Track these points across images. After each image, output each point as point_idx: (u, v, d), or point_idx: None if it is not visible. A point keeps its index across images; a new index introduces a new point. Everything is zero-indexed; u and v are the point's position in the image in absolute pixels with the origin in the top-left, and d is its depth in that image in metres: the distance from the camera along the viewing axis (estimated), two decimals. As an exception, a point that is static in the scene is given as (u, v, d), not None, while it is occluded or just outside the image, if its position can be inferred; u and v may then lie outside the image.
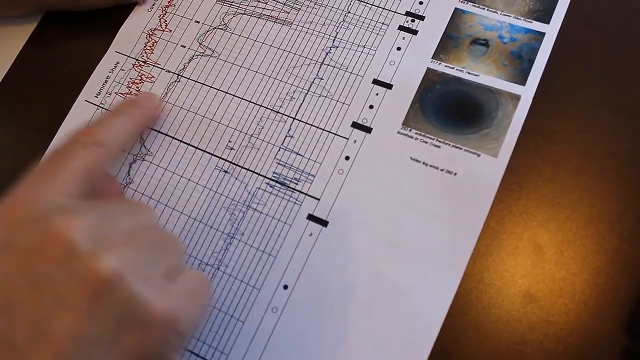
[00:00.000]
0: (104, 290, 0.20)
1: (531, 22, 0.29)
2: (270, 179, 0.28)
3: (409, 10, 0.30)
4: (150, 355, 0.21)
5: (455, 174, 0.27)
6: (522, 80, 0.28)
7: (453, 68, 0.28)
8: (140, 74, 0.31)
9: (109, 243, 0.21)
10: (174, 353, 0.22)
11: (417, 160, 0.27)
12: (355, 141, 0.28)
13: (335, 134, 0.28)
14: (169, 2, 0.33)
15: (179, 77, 0.31)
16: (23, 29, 0.34)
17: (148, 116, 0.29)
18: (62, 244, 0.20)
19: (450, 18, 0.29)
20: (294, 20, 0.31)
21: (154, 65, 0.32)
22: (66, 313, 0.19)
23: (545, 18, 0.29)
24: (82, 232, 0.21)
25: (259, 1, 0.32)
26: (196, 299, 0.23)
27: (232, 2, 0.32)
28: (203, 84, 0.31)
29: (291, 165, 0.28)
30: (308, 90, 0.29)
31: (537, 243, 0.26)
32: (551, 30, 0.28)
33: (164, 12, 0.33)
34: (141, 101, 0.29)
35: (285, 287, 0.26)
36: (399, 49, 0.29)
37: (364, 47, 0.30)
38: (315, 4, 0.31)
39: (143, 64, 0.32)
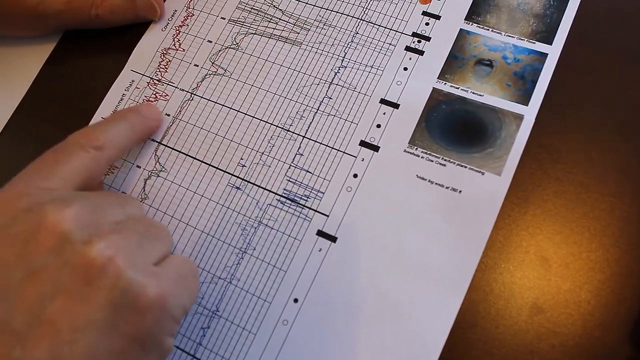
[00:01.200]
0: (96, 275, 0.21)
1: (534, 43, 0.30)
2: (281, 196, 0.29)
3: (415, 31, 0.31)
4: (145, 339, 0.21)
5: (460, 191, 0.27)
6: (525, 100, 0.28)
7: (458, 88, 0.29)
8: (154, 92, 0.33)
9: (100, 231, 0.22)
10: (167, 336, 0.23)
11: (423, 178, 0.28)
12: (363, 159, 0.29)
13: (344, 152, 0.29)
14: (182, 21, 0.34)
15: (192, 95, 0.32)
16: (43, 48, 0.35)
17: (148, 126, 0.30)
18: (55, 233, 0.21)
19: (456, 39, 0.30)
20: (303, 40, 0.32)
21: (167, 84, 0.33)
22: (61, 298, 0.20)
23: (548, 39, 0.30)
24: (74, 222, 0.21)
25: (270, 21, 0.33)
26: (185, 282, 0.24)
27: (243, 22, 0.33)
28: (215, 102, 0.32)
29: (301, 183, 0.29)
30: (317, 110, 0.30)
31: (543, 256, 0.26)
32: (554, 51, 0.29)
33: (177, 31, 0.34)
34: (143, 110, 0.30)
35: (296, 300, 0.27)
36: (405, 69, 0.30)
37: (372, 67, 0.30)
38: (324, 25, 0.32)
39: (157, 82, 0.33)
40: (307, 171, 0.29)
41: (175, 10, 0.34)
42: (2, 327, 0.20)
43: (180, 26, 0.34)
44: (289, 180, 0.29)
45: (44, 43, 0.35)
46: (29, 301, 0.20)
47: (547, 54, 0.29)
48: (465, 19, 0.31)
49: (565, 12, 0.30)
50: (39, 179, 0.24)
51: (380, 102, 0.30)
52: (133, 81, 0.33)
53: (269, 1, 0.33)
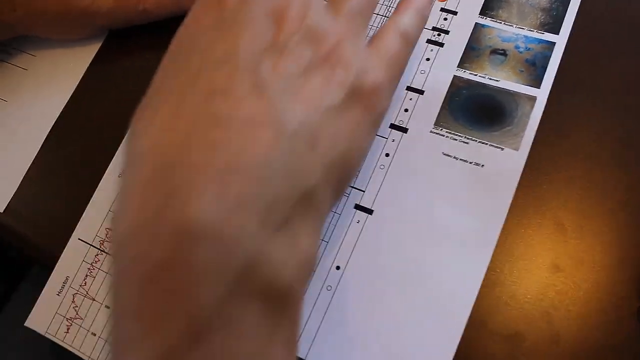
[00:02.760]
0: (332, 61, 0.22)
1: (543, 33, 0.33)
2: (320, 175, 0.32)
3: (435, 26, 0.34)
4: (368, 119, 0.24)
5: (483, 165, 0.31)
6: (537, 84, 0.32)
7: (476, 75, 0.33)
8: (196, 87, 0.36)
9: (333, 18, 0.24)
10: (383, 115, 0.25)
11: (448, 155, 0.31)
12: (393, 140, 0.32)
13: (376, 135, 0.32)
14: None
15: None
16: (89, 48, 0.38)
17: None
18: (297, 20, 0.22)
19: (472, 32, 0.34)
20: (333, 36, 0.35)
21: (209, 79, 0.36)
22: (307, 76, 0.22)
23: (555, 29, 0.33)
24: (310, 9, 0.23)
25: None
26: (399, 64, 0.26)
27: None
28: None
29: (338, 162, 0.32)
30: (349, 97, 0.33)
31: (558, 220, 0.30)
32: (560, 40, 0.33)
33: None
34: None
35: (338, 267, 0.30)
36: (428, 59, 0.33)
37: (397, 58, 0.34)
38: (351, 22, 0.35)
39: (199, 78, 0.36)
40: (343, 152, 0.32)
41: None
42: (259, 90, 0.20)
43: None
44: (326, 161, 0.32)
45: (89, 44, 0.38)
46: (279, 74, 0.21)
47: (555, 43, 0.33)
48: (479, 14, 0.34)
49: (569, 5, 0.33)
50: None
51: (406, 90, 0.33)
52: (176, 77, 0.36)
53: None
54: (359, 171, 0.32)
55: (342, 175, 0.23)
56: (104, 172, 0.35)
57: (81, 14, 0.35)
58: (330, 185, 0.22)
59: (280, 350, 0.20)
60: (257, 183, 0.19)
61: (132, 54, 0.38)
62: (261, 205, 0.19)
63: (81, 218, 0.34)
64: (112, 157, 0.35)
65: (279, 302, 0.20)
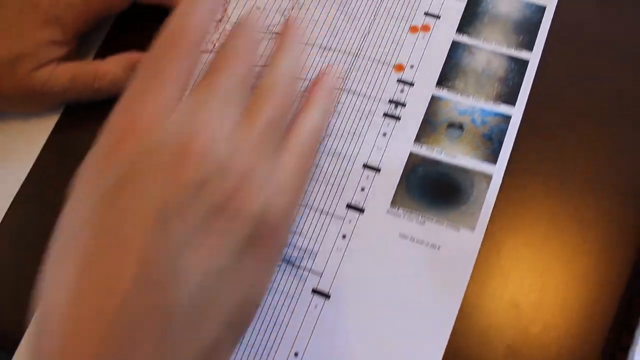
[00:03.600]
0: (228, 212, 0.21)
1: (499, 104, 0.33)
2: (277, 257, 0.32)
3: (391, 99, 0.34)
4: (270, 256, 0.24)
5: (439, 247, 0.30)
6: (493, 159, 0.32)
7: (433, 150, 0.32)
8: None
9: (229, 160, 0.22)
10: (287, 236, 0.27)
11: (405, 236, 0.31)
12: (350, 221, 0.32)
13: (332, 215, 0.32)
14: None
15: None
16: (47, 120, 0.38)
17: None
18: (193, 168, 0.21)
19: (429, 104, 0.33)
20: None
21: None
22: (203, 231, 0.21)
23: (512, 100, 0.33)
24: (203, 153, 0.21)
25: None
26: (298, 188, 0.25)
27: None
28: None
29: (295, 245, 0.32)
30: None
31: (515, 302, 0.29)
32: (517, 112, 0.32)
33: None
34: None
35: (296, 354, 0.30)
36: (384, 134, 0.33)
37: (354, 134, 0.33)
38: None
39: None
40: (300, 234, 0.32)
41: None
42: (152, 259, 0.20)
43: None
44: (284, 243, 0.32)
45: (47, 115, 0.38)
46: (174, 240, 0.20)
47: (511, 116, 0.32)
48: (436, 84, 0.34)
49: (525, 74, 0.33)
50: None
51: (363, 167, 0.33)
52: (134, 151, 0.36)
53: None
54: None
55: (240, 321, 0.24)
56: (65, 251, 0.35)
57: (36, 94, 0.35)
58: (229, 335, 0.23)
59: None
60: (155, 346, 0.20)
61: (88, 126, 0.37)
62: None
63: (42, 300, 0.34)
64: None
65: None
